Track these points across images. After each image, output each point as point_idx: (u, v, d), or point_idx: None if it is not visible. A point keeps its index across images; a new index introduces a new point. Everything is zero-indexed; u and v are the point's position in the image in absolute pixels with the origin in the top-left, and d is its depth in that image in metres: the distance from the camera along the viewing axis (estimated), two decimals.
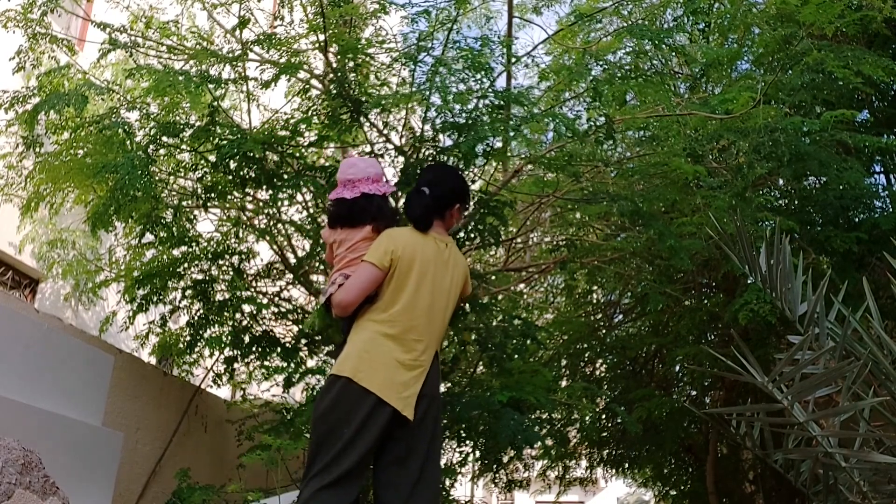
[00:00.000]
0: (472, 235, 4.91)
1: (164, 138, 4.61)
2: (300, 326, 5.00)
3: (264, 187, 4.67)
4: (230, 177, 4.72)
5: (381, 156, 5.00)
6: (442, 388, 5.66)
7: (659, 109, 5.30)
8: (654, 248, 5.89)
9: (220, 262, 5.11)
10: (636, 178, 5.38)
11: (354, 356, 2.69)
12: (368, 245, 2.89)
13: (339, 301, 2.76)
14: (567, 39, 6.28)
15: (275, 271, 5.40)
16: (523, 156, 5.88)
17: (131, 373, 5.11)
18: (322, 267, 5.06)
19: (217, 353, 5.37)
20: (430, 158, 4.76)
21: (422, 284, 2.79)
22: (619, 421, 7.55)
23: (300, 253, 5.24)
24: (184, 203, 4.99)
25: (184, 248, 5.03)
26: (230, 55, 4.77)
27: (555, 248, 6.48)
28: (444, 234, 3.00)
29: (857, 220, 6.05)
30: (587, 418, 7.62)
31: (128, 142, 4.46)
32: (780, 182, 6.67)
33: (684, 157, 4.96)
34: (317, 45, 4.71)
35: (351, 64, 4.65)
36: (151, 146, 4.54)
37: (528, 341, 5.26)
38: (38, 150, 5.31)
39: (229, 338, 5.10)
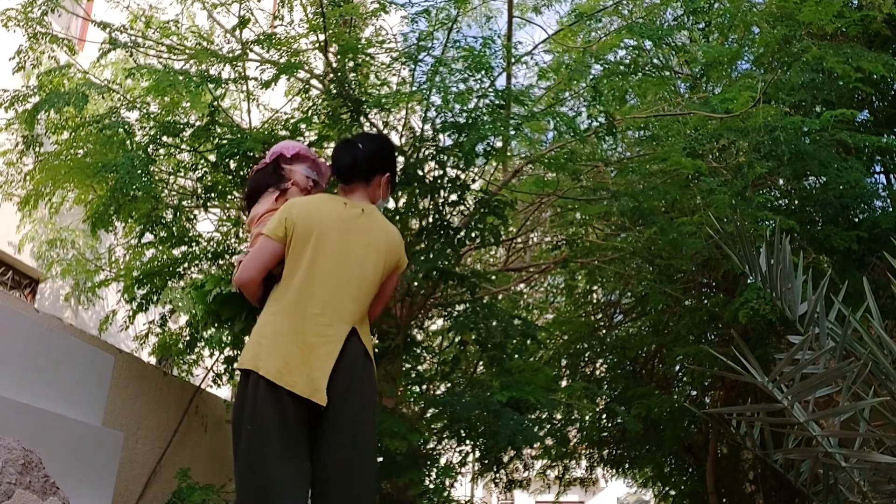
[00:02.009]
0: (473, 235, 4.91)
1: (164, 138, 4.61)
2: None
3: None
4: (230, 176, 4.72)
5: None
6: (442, 388, 5.68)
7: (659, 108, 5.30)
8: (654, 248, 5.89)
9: (220, 262, 5.10)
10: (636, 178, 5.38)
11: (256, 343, 2.40)
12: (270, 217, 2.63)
13: (236, 281, 2.52)
14: (567, 39, 6.28)
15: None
16: (524, 155, 5.89)
17: (131, 373, 5.10)
18: None
19: (217, 353, 5.37)
20: (430, 158, 4.76)
21: (320, 251, 2.45)
22: (619, 421, 7.55)
23: None
24: (184, 203, 4.99)
25: (184, 248, 5.03)
26: (230, 55, 4.78)
27: (555, 247, 6.48)
28: (365, 201, 2.65)
29: (857, 219, 6.05)
30: (587, 418, 7.62)
31: (128, 141, 4.46)
32: (780, 181, 6.67)
33: (684, 156, 4.96)
34: (317, 44, 4.71)
35: (351, 64, 4.65)
36: (151, 146, 4.55)
37: (529, 341, 5.26)
38: (37, 149, 5.31)
39: (229, 338, 5.10)
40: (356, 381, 2.42)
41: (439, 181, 4.69)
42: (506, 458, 7.05)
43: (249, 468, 2.31)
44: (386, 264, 2.59)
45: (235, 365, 2.53)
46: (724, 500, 8.20)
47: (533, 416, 5.28)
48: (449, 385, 5.57)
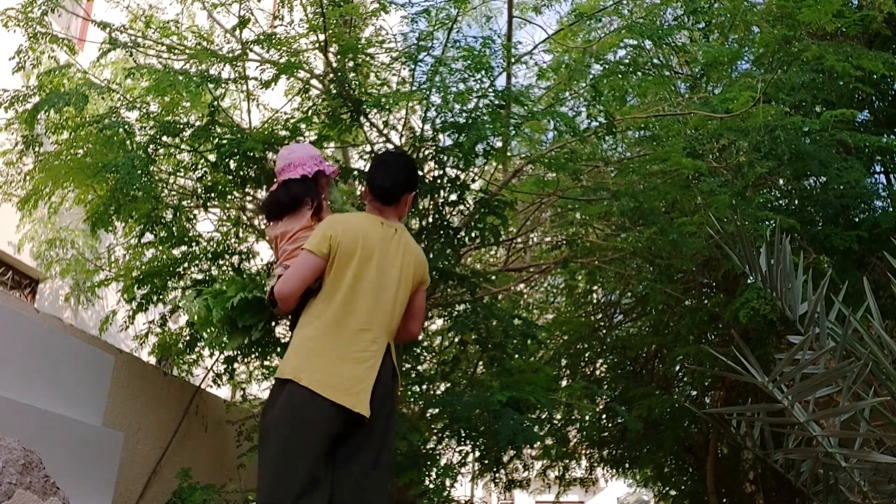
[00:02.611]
0: (473, 235, 4.91)
1: (164, 138, 4.61)
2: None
3: (264, 187, 4.67)
4: (230, 176, 4.72)
5: None
6: (442, 388, 5.69)
7: (659, 108, 5.30)
8: (654, 248, 5.89)
9: (220, 262, 5.10)
10: (637, 178, 5.38)
11: (296, 355, 2.51)
12: (307, 234, 2.73)
13: (277, 293, 2.58)
14: (567, 39, 6.28)
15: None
16: (524, 155, 5.89)
17: (131, 373, 5.10)
18: None
19: (217, 353, 5.37)
20: (431, 158, 4.76)
21: (364, 270, 2.58)
22: (619, 421, 7.56)
23: None
24: (184, 203, 4.99)
25: (184, 248, 5.03)
26: (230, 55, 4.77)
27: (555, 247, 6.48)
28: (395, 219, 2.79)
29: (857, 219, 6.05)
30: (587, 418, 7.62)
31: (128, 141, 4.46)
32: (780, 181, 6.67)
33: (684, 156, 4.95)
34: (317, 44, 4.71)
35: (351, 64, 4.65)
36: (151, 146, 4.55)
37: (529, 341, 5.26)
38: (37, 149, 5.31)
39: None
40: (389, 395, 2.58)
41: (439, 181, 4.69)
42: (506, 458, 7.06)
43: (284, 472, 2.38)
44: (413, 281, 2.74)
45: (276, 374, 2.55)
46: (724, 500, 8.20)
47: (533, 416, 5.28)
48: (449, 385, 5.57)
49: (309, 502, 2.37)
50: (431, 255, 4.49)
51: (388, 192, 2.75)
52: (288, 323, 2.87)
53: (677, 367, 8.06)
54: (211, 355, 5.70)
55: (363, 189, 2.93)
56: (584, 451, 8.80)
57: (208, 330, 2.98)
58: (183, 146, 4.81)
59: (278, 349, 4.98)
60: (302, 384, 2.43)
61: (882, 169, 6.82)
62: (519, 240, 6.72)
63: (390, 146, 5.00)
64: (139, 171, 4.06)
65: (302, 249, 2.62)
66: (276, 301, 2.65)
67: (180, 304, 5.38)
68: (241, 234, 5.33)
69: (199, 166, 4.89)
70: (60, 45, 5.09)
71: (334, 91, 4.61)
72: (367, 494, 2.49)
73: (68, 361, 4.38)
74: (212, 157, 4.72)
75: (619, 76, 4.77)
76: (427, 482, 4.66)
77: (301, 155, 2.94)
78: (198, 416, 5.79)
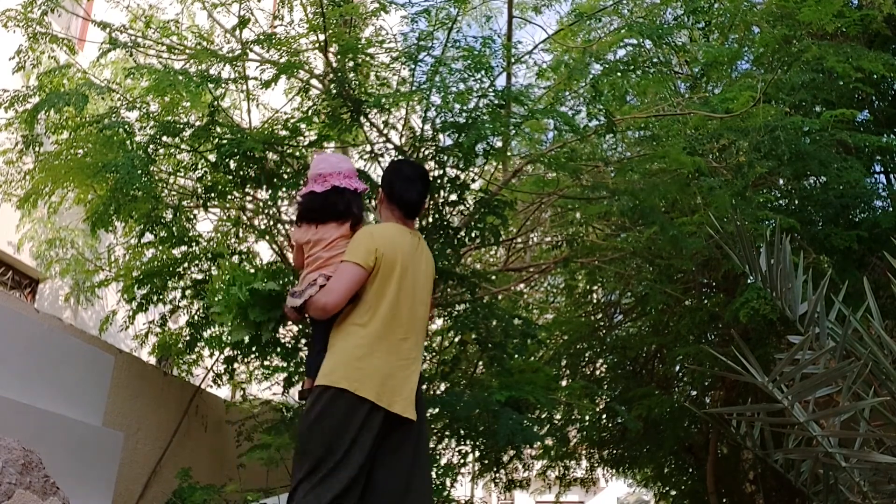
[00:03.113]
0: (473, 235, 4.91)
1: (164, 138, 4.61)
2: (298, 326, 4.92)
3: (264, 187, 4.67)
4: (230, 176, 4.72)
5: (381, 155, 5.00)
6: (442, 388, 5.69)
7: (659, 108, 5.29)
8: (654, 248, 5.89)
9: (220, 262, 5.10)
10: (637, 178, 5.38)
11: (345, 364, 2.60)
12: (346, 243, 2.77)
13: (323, 304, 2.64)
14: (567, 39, 6.28)
15: None
16: (524, 155, 5.88)
17: (131, 373, 5.10)
18: None
19: (217, 353, 5.36)
20: (431, 158, 4.76)
21: (404, 282, 2.72)
22: (619, 421, 7.56)
23: None
24: (184, 203, 4.99)
25: (184, 248, 5.02)
26: (230, 55, 4.77)
27: (556, 246, 6.48)
28: (414, 227, 2.97)
29: (857, 219, 6.05)
30: (587, 418, 7.62)
31: (128, 141, 4.46)
32: (780, 181, 6.67)
33: (684, 155, 4.95)
34: (317, 44, 4.71)
35: (351, 64, 4.64)
36: (151, 146, 4.54)
37: (529, 341, 5.26)
38: (37, 149, 5.31)
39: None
40: (422, 400, 2.75)
41: (439, 181, 4.69)
42: (505, 459, 7.05)
43: (335, 478, 2.50)
44: (432, 283, 2.93)
45: (326, 382, 2.60)
46: (724, 500, 8.20)
47: (533, 416, 5.28)
48: (449, 385, 5.57)
49: None
50: (431, 255, 4.49)
51: (415, 206, 2.90)
52: (312, 332, 2.87)
53: (677, 367, 8.06)
54: (211, 355, 5.70)
55: (378, 196, 2.97)
56: (584, 451, 8.80)
57: (226, 314, 2.95)
58: (183, 146, 4.81)
59: (278, 349, 4.99)
60: (358, 393, 2.54)
61: (882, 169, 6.82)
62: (519, 240, 6.72)
63: (390, 146, 5.00)
64: (139, 171, 4.06)
65: (345, 261, 2.68)
66: (313, 310, 2.69)
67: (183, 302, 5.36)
68: (241, 234, 5.32)
69: (199, 166, 4.89)
70: (60, 45, 5.09)
71: (334, 91, 4.60)
72: (413, 487, 2.63)
73: (68, 361, 4.38)
74: (212, 157, 4.71)
75: (619, 74, 4.76)
76: None
77: (351, 168, 2.97)
78: (198, 416, 5.79)
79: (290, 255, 5.22)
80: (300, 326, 5.16)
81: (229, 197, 4.98)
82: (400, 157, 4.69)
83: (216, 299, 2.93)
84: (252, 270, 2.94)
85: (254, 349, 4.93)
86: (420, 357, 2.75)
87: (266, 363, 5.22)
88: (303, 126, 4.75)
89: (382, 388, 2.57)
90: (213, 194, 4.82)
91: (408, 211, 2.89)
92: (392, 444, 2.63)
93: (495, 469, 7.32)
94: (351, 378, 2.56)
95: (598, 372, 8.44)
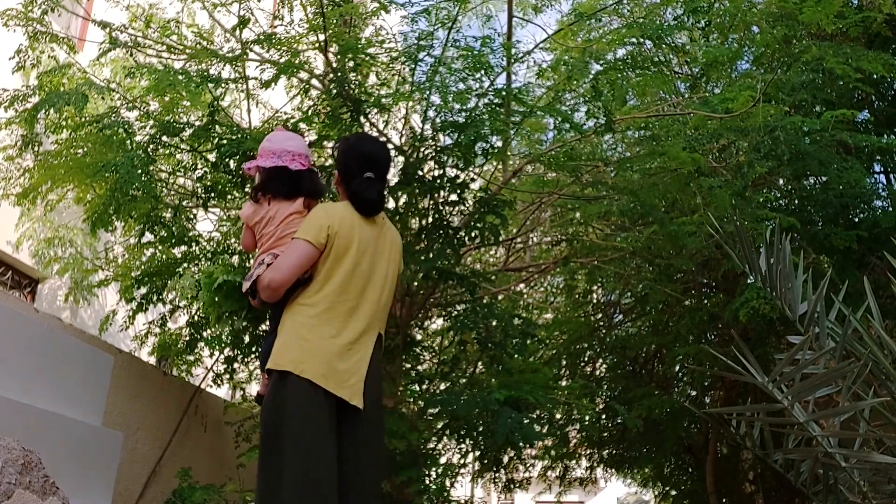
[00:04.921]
0: (473, 235, 4.91)
1: (164, 138, 4.61)
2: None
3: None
4: (230, 176, 4.72)
5: None
6: (442, 388, 5.69)
7: (659, 108, 5.29)
8: (654, 248, 5.89)
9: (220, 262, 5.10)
10: (637, 177, 5.38)
11: (291, 346, 2.46)
12: (300, 220, 2.63)
13: (268, 281, 2.49)
14: (567, 38, 6.28)
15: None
16: (524, 155, 5.89)
17: (131, 373, 5.10)
18: None
19: (217, 353, 5.36)
20: (430, 157, 4.76)
21: (359, 264, 2.56)
22: (619, 421, 7.55)
23: None
24: (184, 203, 4.99)
25: (184, 248, 5.03)
26: (230, 55, 4.77)
27: (556, 244, 6.48)
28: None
29: (857, 219, 6.05)
30: (587, 418, 7.62)
31: (127, 141, 4.46)
32: (780, 181, 6.67)
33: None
34: (317, 44, 4.71)
35: (351, 64, 4.65)
36: (151, 145, 4.54)
37: (528, 340, 5.26)
38: (37, 148, 5.31)
39: (229, 338, 5.09)
40: (377, 384, 2.59)
41: (439, 181, 4.69)
42: (505, 459, 7.05)
43: (299, 466, 2.35)
44: (397, 268, 2.77)
45: (271, 365, 2.48)
46: (724, 500, 8.20)
47: (533, 416, 5.28)
48: (448, 384, 5.57)
49: (328, 495, 2.36)
50: (431, 255, 4.49)
51: (375, 206, 2.67)
52: (269, 314, 2.74)
53: (677, 367, 8.06)
54: (211, 355, 5.70)
55: (335, 177, 2.78)
56: (584, 451, 8.80)
57: (211, 324, 2.95)
58: (183, 146, 4.81)
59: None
60: (304, 376, 2.40)
61: (882, 169, 6.82)
62: (519, 240, 6.72)
63: (390, 146, 5.00)
64: (139, 171, 4.06)
65: (295, 238, 2.54)
66: (261, 289, 2.55)
67: (182, 293, 5.36)
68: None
69: (199, 166, 4.89)
70: (60, 45, 5.09)
71: (334, 91, 4.60)
72: (360, 479, 2.48)
73: (68, 361, 4.38)
74: (212, 157, 4.71)
75: (619, 72, 4.76)
76: (427, 481, 4.65)
77: (304, 146, 2.85)
78: (197, 416, 5.79)
79: None
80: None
81: (229, 197, 4.98)
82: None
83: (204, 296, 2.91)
84: (213, 270, 2.89)
85: (253, 349, 4.93)
86: (373, 343, 2.57)
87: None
88: (303, 126, 4.75)
89: (329, 370, 2.43)
90: (213, 194, 4.82)
91: (367, 211, 2.65)
92: (346, 436, 2.50)
93: (495, 469, 7.31)
94: (298, 360, 2.42)
95: (597, 372, 8.45)
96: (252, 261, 2.77)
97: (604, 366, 8.45)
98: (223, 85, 4.70)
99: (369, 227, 2.64)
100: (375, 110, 4.67)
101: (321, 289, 2.52)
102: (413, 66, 4.71)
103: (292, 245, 2.54)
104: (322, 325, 2.48)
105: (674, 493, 9.25)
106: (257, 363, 5.48)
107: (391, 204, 4.77)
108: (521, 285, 7.65)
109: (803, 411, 2.84)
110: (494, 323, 4.86)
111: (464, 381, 5.70)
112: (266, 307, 2.75)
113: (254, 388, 6.44)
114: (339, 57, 4.69)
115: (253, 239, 2.78)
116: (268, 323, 2.82)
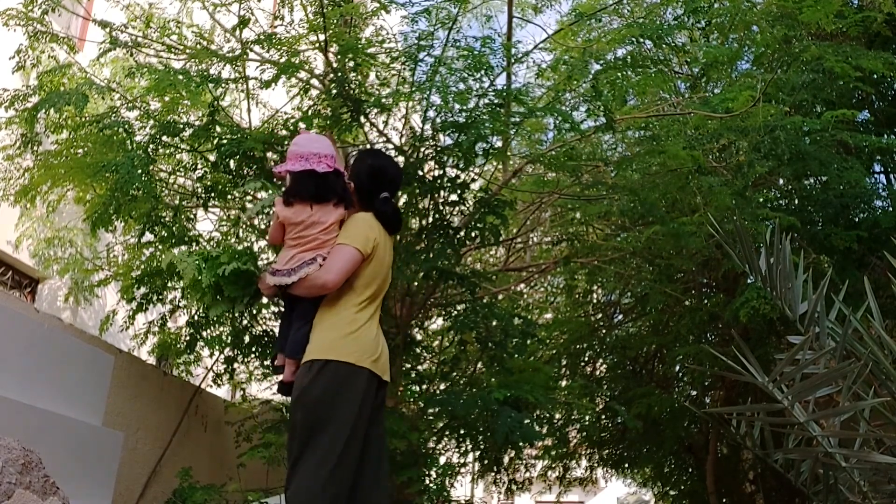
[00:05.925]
0: (473, 235, 4.91)
1: (164, 137, 4.61)
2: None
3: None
4: (230, 176, 4.72)
5: None
6: (442, 388, 5.70)
7: (659, 108, 5.29)
8: (654, 248, 5.89)
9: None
10: (637, 177, 5.38)
11: (344, 338, 2.74)
12: (338, 227, 2.86)
13: (323, 282, 2.76)
14: (567, 39, 6.28)
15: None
16: (524, 155, 5.89)
17: (131, 372, 5.10)
18: None
19: (217, 353, 5.36)
20: (430, 158, 4.76)
21: (387, 272, 2.94)
22: (619, 421, 7.55)
23: None
24: (184, 203, 4.98)
25: (184, 248, 5.02)
26: (230, 55, 4.77)
27: (556, 244, 6.48)
28: None
29: (857, 219, 6.05)
30: (587, 418, 7.62)
31: (128, 141, 4.46)
32: (780, 181, 6.67)
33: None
34: (317, 44, 4.70)
35: (351, 64, 4.64)
36: (151, 145, 4.54)
37: (529, 340, 5.26)
38: (37, 148, 5.30)
39: (229, 338, 5.09)
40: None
41: (439, 181, 4.69)
42: (506, 459, 7.05)
43: (348, 449, 2.64)
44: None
45: (314, 355, 2.71)
46: (724, 500, 8.20)
47: (532, 416, 5.28)
48: (448, 384, 5.57)
49: (346, 471, 2.65)
50: (431, 255, 4.49)
51: (400, 225, 3.04)
52: (298, 310, 2.91)
53: (677, 367, 8.06)
54: (211, 355, 5.70)
55: (350, 186, 2.97)
56: (584, 451, 8.80)
57: (196, 294, 2.99)
58: (183, 146, 4.81)
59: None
60: (356, 363, 2.70)
61: (882, 169, 6.83)
62: (519, 240, 6.73)
63: (390, 146, 5.00)
64: (139, 171, 4.06)
65: (344, 244, 2.78)
66: (309, 286, 2.77)
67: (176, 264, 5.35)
68: (241, 234, 5.32)
69: (199, 166, 4.88)
70: (60, 45, 5.08)
71: (334, 91, 4.60)
72: (383, 452, 2.85)
73: (68, 361, 4.38)
74: (212, 157, 4.71)
75: (619, 72, 4.76)
76: (427, 481, 4.65)
77: (330, 147, 2.97)
78: (197, 416, 5.79)
79: None
80: None
81: (229, 197, 4.98)
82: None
83: (186, 281, 2.98)
84: (217, 254, 2.97)
85: (254, 348, 4.93)
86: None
87: (266, 363, 5.22)
88: (303, 126, 4.75)
89: (373, 357, 2.76)
90: (213, 194, 4.82)
91: (394, 230, 3.01)
92: (374, 412, 2.83)
93: (495, 469, 7.31)
94: (349, 351, 2.71)
95: (597, 372, 8.45)
96: (279, 257, 2.91)
97: (604, 366, 8.46)
98: (223, 85, 4.70)
99: (389, 239, 2.99)
100: (375, 110, 4.66)
101: (364, 291, 2.82)
102: (413, 66, 4.70)
103: (344, 251, 2.78)
104: (368, 323, 2.81)
105: (674, 492, 9.25)
106: (257, 363, 5.48)
107: None
108: (522, 285, 7.65)
109: (803, 411, 2.84)
110: (494, 323, 4.86)
111: (464, 381, 5.70)
112: (274, 297, 2.98)
113: (254, 389, 6.44)
114: (339, 57, 4.69)
115: (282, 235, 2.92)
116: (282, 313, 3.02)
